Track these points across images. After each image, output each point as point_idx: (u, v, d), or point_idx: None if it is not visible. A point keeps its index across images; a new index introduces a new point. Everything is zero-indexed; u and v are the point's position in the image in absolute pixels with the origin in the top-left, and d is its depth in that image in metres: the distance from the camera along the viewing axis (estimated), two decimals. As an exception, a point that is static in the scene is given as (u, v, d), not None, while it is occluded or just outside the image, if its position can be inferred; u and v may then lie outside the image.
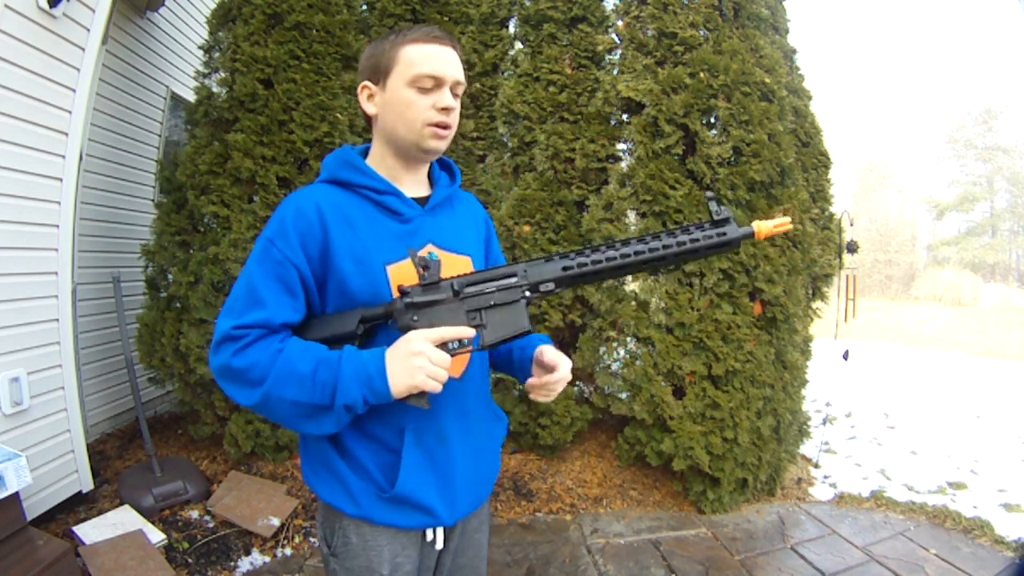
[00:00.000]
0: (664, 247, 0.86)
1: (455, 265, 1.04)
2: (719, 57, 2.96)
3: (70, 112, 2.47)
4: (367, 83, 1.01)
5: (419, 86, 0.95)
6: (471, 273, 0.95)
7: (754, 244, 2.92)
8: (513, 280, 0.91)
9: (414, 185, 1.06)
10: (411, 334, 0.87)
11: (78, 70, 2.48)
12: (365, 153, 1.08)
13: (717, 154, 2.96)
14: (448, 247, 1.04)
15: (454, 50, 0.99)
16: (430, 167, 1.12)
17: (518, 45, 3.84)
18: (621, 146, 3.48)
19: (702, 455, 2.82)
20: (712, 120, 3.08)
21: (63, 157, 2.46)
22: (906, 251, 25.75)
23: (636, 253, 0.87)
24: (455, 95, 0.99)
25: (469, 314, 0.90)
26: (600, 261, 0.89)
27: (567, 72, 3.50)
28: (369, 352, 0.88)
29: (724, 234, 0.85)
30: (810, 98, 3.89)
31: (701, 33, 3.10)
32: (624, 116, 3.41)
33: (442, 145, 1.00)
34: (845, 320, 4.04)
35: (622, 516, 2.97)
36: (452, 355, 0.88)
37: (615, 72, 3.47)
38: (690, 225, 0.89)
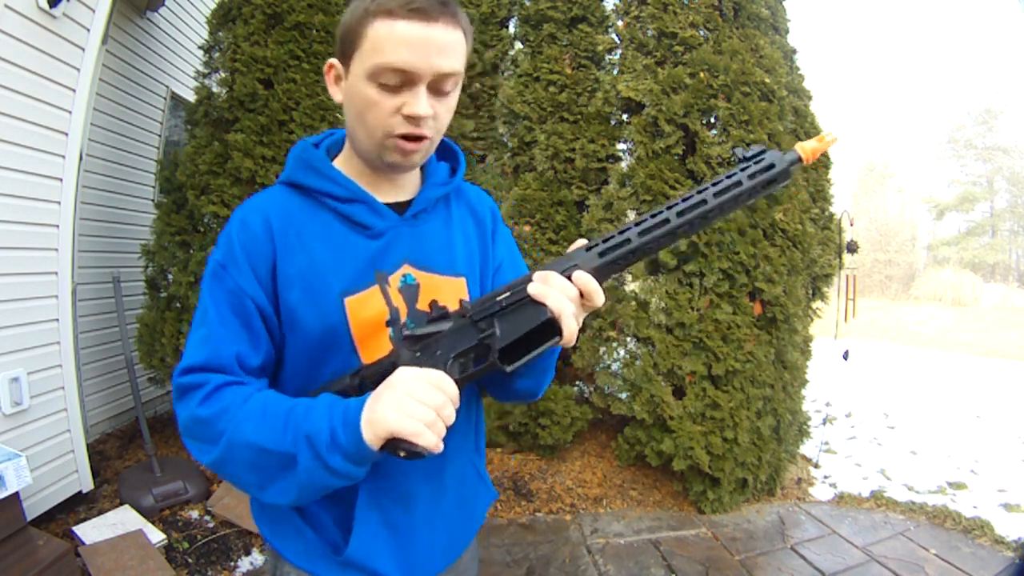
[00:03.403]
0: (705, 197, 0.66)
1: (442, 288, 0.81)
2: (719, 57, 2.96)
3: (70, 112, 2.47)
4: (334, 62, 0.76)
5: (381, 81, 0.69)
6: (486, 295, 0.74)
7: (754, 244, 2.92)
8: (529, 279, 0.69)
9: (392, 188, 0.82)
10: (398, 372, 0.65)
11: (78, 70, 2.47)
12: (340, 144, 0.86)
13: (717, 154, 2.96)
14: (431, 266, 0.81)
15: (447, 26, 0.69)
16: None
17: (518, 45, 3.84)
18: (621, 146, 3.49)
19: (702, 455, 2.82)
20: (712, 120, 3.08)
21: (63, 157, 2.46)
22: (906, 251, 25.74)
23: (679, 215, 0.66)
24: (441, 91, 0.72)
25: (478, 325, 0.70)
26: (635, 231, 0.67)
27: (567, 72, 3.51)
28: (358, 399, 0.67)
29: (770, 164, 0.66)
30: (810, 98, 3.88)
31: (701, 33, 3.10)
32: (624, 116, 3.42)
33: (414, 159, 0.76)
34: (845, 320, 4.04)
35: (622, 516, 2.97)
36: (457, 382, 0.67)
37: (615, 72, 3.47)
38: (722, 176, 0.67)
